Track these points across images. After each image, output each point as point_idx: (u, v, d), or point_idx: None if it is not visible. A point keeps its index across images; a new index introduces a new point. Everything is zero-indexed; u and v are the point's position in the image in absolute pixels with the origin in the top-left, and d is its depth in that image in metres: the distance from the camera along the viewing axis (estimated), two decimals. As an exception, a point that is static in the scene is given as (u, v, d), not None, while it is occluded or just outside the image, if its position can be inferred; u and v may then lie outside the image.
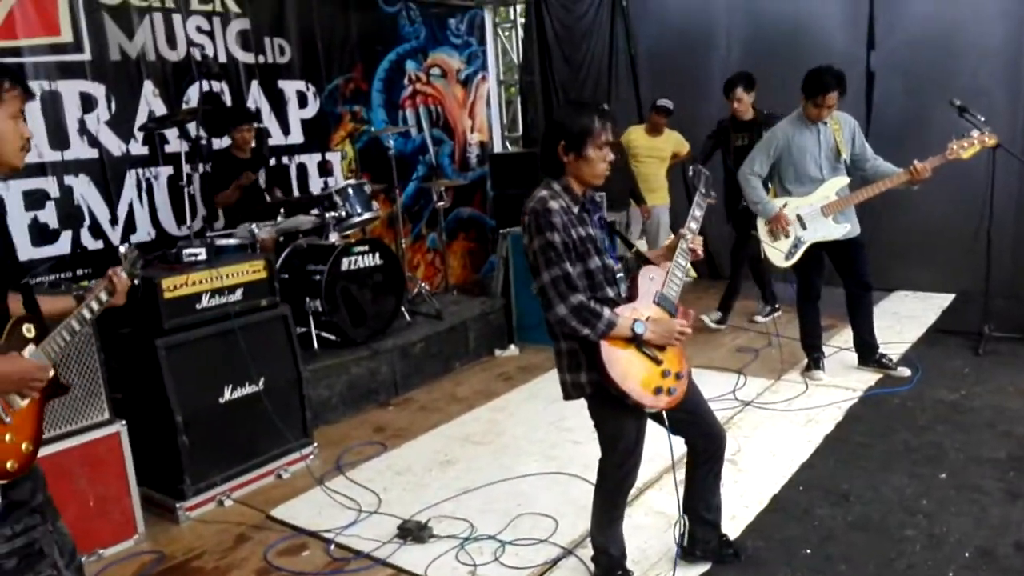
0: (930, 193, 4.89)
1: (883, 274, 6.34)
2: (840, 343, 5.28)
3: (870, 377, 4.73)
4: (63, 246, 4.81)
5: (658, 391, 2.48)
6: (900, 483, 3.45)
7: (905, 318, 5.92)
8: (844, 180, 4.54)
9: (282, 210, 5.06)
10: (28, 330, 2.03)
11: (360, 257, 5.08)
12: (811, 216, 4.52)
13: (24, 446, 1.96)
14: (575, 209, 2.50)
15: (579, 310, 2.40)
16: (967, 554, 2.88)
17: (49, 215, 4.74)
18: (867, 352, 4.85)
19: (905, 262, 6.57)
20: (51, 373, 2.04)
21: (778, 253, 4.60)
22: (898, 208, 6.21)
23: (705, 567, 2.89)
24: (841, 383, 4.67)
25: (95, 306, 2.19)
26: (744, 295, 6.11)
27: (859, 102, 6.39)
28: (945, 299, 6.27)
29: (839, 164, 4.54)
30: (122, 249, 2.36)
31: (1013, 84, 5.98)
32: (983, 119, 4.61)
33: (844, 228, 4.53)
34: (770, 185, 4.76)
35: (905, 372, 4.71)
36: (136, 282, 2.35)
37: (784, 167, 4.61)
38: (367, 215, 5.36)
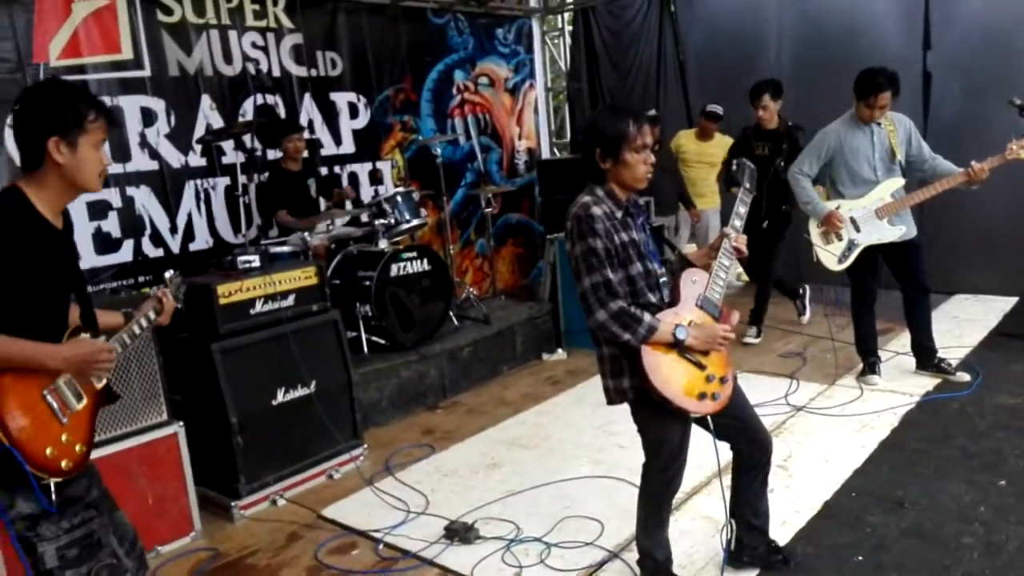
0: (992, 194, 4.74)
1: (943, 277, 6.16)
2: (897, 347, 5.15)
3: (928, 382, 4.60)
4: (125, 254, 5.01)
5: (702, 396, 2.46)
6: (957, 490, 3.36)
7: (965, 322, 5.74)
8: (899, 182, 4.43)
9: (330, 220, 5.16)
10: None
11: (409, 263, 5.16)
12: (865, 218, 4.42)
13: (78, 447, 2.06)
14: (618, 214, 2.49)
15: (619, 316, 2.40)
16: (1027, 563, 2.80)
17: (112, 225, 4.94)
18: (925, 356, 4.72)
19: (966, 264, 6.37)
20: (104, 380, 2.15)
21: (831, 256, 4.49)
22: (959, 209, 6.03)
23: (753, 573, 2.86)
24: (898, 388, 4.56)
25: (144, 323, 2.33)
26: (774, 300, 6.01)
27: (916, 103, 6.23)
28: (1008, 302, 6.05)
29: (894, 165, 4.42)
30: (167, 274, 2.50)
31: (1076, 83, 5.76)
32: (1045, 117, 4.47)
33: (899, 230, 4.42)
34: (822, 188, 4.68)
35: (965, 377, 4.58)
36: (180, 306, 2.48)
37: (837, 169, 4.51)
38: (415, 222, 5.45)
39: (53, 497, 1.96)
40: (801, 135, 5.31)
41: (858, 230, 4.44)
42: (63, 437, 2.01)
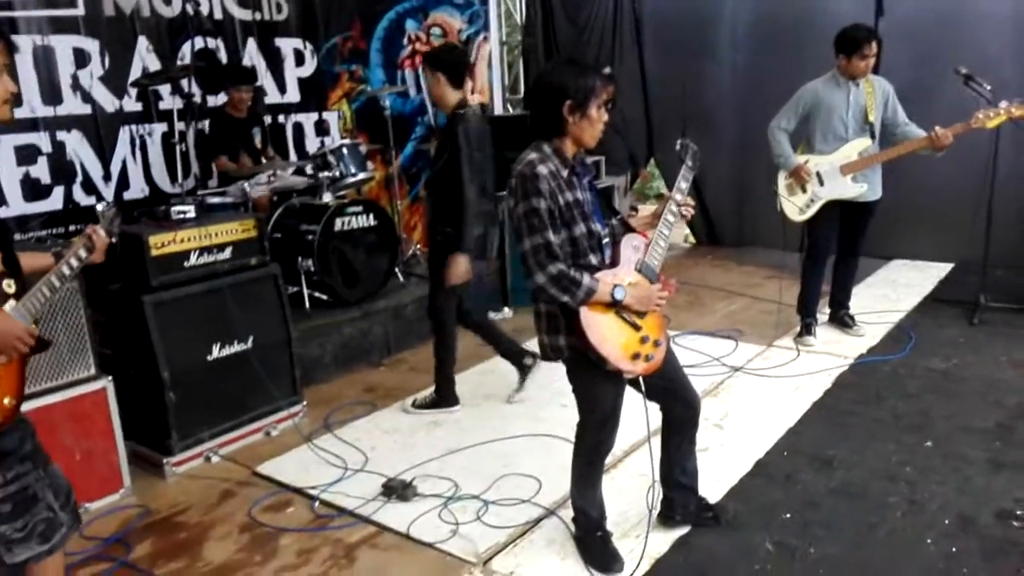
0: (933, 162, 4.82)
1: (882, 242, 6.28)
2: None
3: (862, 344, 4.71)
4: (55, 202, 4.81)
5: (636, 357, 2.46)
6: (885, 450, 3.45)
7: (902, 287, 5.88)
8: (867, 142, 4.52)
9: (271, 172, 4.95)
10: (8, 286, 2.03)
11: (354, 218, 5.05)
12: (829, 174, 4.53)
13: (7, 400, 1.99)
14: (564, 173, 2.45)
15: (559, 279, 2.37)
16: (947, 521, 2.89)
17: (41, 170, 4.72)
18: (834, 308, 5.04)
19: (905, 231, 6.50)
20: (35, 334, 2.05)
21: (793, 207, 4.63)
22: (901, 177, 6.10)
23: (684, 530, 2.90)
24: (833, 350, 4.66)
25: (74, 263, 2.20)
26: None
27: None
28: (943, 268, 6.21)
29: (866, 126, 4.52)
30: (99, 207, 2.37)
31: (1022, 54, 5.84)
32: (989, 88, 4.55)
33: (860, 188, 4.53)
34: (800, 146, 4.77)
35: (861, 332, 4.86)
36: (114, 240, 2.36)
37: (812, 125, 4.62)
38: (361, 175, 5.33)
39: None
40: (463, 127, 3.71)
41: (822, 184, 4.55)
42: None
